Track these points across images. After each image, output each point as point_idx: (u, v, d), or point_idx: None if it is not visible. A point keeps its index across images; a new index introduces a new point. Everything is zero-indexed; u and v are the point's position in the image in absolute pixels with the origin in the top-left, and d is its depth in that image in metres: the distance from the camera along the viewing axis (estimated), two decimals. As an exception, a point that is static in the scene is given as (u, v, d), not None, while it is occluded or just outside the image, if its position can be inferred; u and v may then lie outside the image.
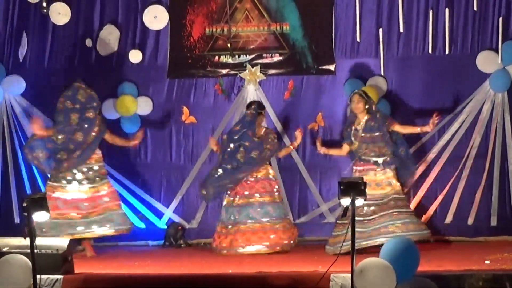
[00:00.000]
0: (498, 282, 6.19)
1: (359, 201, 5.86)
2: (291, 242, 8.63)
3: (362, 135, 8.46)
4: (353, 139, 8.51)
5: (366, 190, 5.93)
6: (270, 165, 8.87)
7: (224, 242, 8.55)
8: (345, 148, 8.63)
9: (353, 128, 8.54)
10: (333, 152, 8.82)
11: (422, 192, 9.16)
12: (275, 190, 8.71)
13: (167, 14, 9.59)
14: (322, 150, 8.75)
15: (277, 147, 8.85)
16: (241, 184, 8.63)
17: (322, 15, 9.43)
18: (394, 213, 8.26)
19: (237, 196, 8.63)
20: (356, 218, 7.64)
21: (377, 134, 8.47)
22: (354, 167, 8.58)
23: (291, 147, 8.98)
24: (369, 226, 8.17)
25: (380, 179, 8.39)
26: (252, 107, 8.81)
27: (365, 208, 8.17)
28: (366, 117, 8.51)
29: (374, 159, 8.44)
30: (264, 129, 8.88)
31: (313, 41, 9.45)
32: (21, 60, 9.65)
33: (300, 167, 9.39)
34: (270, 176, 8.75)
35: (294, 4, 9.45)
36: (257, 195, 8.60)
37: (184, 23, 9.63)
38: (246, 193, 8.60)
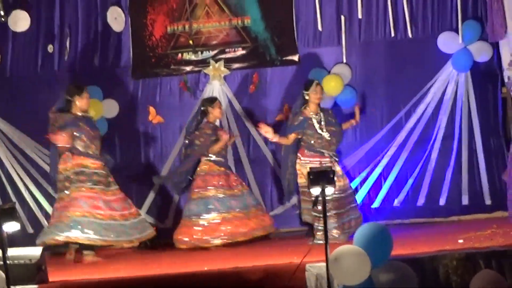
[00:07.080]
0: (471, 261, 6.24)
1: (329, 190, 5.88)
2: (258, 230, 8.60)
3: (333, 128, 8.37)
4: (309, 130, 8.31)
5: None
6: (216, 163, 8.69)
7: (184, 234, 8.61)
8: (292, 137, 8.39)
9: (304, 117, 8.34)
10: (282, 141, 8.48)
11: (393, 176, 9.21)
12: (234, 182, 8.71)
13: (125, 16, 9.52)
14: (275, 138, 8.45)
15: (208, 143, 8.64)
16: (199, 180, 8.64)
17: (282, 6, 9.42)
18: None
19: (195, 190, 8.65)
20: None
21: (334, 129, 8.40)
22: (302, 157, 8.35)
23: (223, 141, 8.69)
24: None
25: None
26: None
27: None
28: (319, 109, 8.39)
29: (322, 150, 8.31)
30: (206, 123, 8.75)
31: (275, 33, 9.45)
32: None
33: (270, 158, 9.40)
34: (224, 170, 8.73)
35: (254, -3, 9.47)
36: (213, 189, 8.61)
37: (145, 23, 9.58)
38: (203, 187, 8.63)
